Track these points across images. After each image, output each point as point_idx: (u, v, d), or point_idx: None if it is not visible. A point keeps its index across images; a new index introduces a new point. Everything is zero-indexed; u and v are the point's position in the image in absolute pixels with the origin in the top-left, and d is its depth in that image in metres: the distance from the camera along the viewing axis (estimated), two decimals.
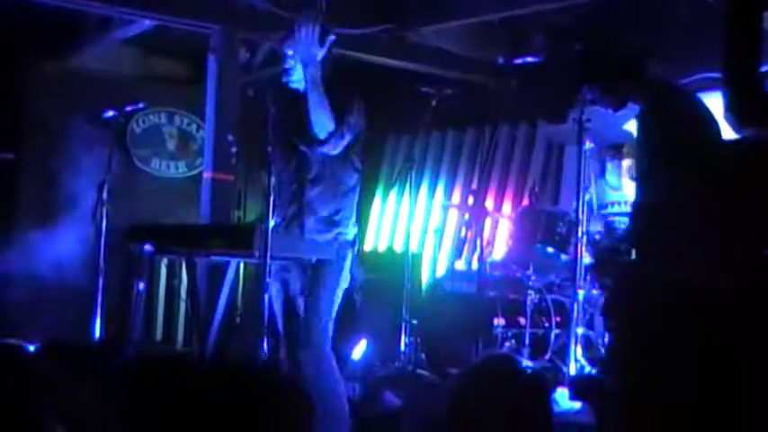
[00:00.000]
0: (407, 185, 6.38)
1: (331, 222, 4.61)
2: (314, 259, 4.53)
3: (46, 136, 7.71)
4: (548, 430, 2.31)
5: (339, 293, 4.61)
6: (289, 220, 4.63)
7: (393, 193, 8.67)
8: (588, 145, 5.56)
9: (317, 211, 4.59)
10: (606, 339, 5.31)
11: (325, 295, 4.56)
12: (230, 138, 6.68)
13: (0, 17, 6.94)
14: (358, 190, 4.70)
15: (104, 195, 5.33)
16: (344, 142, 4.52)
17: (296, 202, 4.62)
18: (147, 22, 6.96)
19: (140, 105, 6.00)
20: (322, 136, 4.45)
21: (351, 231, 4.68)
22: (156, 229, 5.19)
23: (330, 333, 4.58)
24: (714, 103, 3.02)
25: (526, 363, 2.52)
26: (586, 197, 5.60)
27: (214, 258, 5.09)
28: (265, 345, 4.16)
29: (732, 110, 2.83)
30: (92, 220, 5.38)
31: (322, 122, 4.41)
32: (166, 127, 8.59)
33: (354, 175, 4.67)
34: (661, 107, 3.71)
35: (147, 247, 4.97)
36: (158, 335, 7.79)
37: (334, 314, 4.58)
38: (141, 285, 5.20)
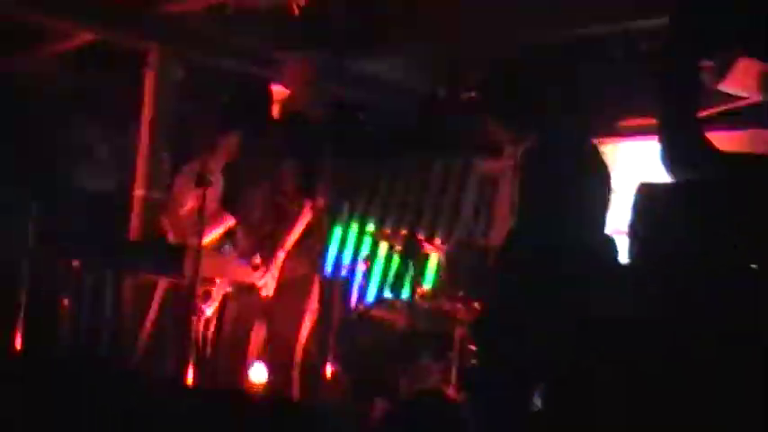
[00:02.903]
0: (341, 212, 6.37)
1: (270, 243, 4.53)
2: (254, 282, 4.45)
3: None
4: None
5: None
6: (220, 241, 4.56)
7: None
8: None
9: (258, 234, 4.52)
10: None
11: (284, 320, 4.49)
12: (165, 155, 6.60)
13: None
14: None
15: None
16: None
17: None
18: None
19: None
20: None
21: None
22: (85, 243, 5.10)
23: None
24: (648, 147, 3.08)
25: (453, 397, 2.53)
26: None
27: (142, 276, 5.02)
28: (192, 367, 4.10)
29: (666, 156, 2.89)
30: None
31: None
32: None
33: None
34: (547, 153, 3.74)
35: (75, 263, 4.90)
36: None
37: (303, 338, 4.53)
38: (66, 300, 5.13)
